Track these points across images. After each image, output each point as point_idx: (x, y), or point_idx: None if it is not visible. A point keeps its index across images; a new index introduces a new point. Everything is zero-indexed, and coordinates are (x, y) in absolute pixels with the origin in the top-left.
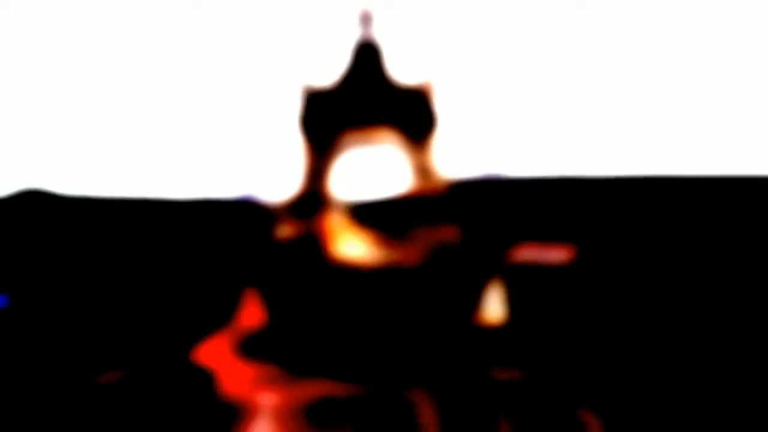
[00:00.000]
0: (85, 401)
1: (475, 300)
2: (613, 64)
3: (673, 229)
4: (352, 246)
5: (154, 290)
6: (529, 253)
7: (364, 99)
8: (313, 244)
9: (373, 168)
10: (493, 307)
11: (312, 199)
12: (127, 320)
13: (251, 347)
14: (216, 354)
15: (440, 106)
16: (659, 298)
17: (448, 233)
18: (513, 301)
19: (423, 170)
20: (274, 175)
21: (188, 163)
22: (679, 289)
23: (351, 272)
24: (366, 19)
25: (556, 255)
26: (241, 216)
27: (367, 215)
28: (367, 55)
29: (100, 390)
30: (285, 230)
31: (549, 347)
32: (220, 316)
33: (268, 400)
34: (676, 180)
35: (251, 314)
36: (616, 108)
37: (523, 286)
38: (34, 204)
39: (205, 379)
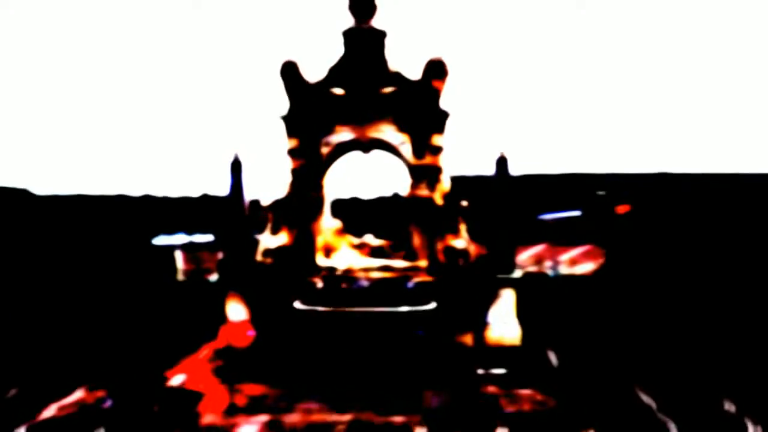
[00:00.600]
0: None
1: (484, 315)
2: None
3: (711, 231)
4: (348, 256)
5: (129, 299)
6: (544, 259)
7: (360, 92)
8: (304, 253)
9: (371, 170)
10: (504, 323)
11: (302, 204)
12: (100, 331)
13: (234, 367)
14: (195, 375)
15: (447, 100)
16: (703, 311)
17: (457, 242)
18: (526, 317)
19: (428, 172)
20: (260, 176)
21: (168, 159)
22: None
23: (346, 284)
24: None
25: (577, 260)
26: (226, 218)
27: (365, 221)
28: (363, 43)
29: (71, 411)
30: (273, 237)
31: (568, 369)
32: (201, 332)
33: (252, 428)
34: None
35: (234, 330)
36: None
37: (538, 299)
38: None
39: (182, 402)
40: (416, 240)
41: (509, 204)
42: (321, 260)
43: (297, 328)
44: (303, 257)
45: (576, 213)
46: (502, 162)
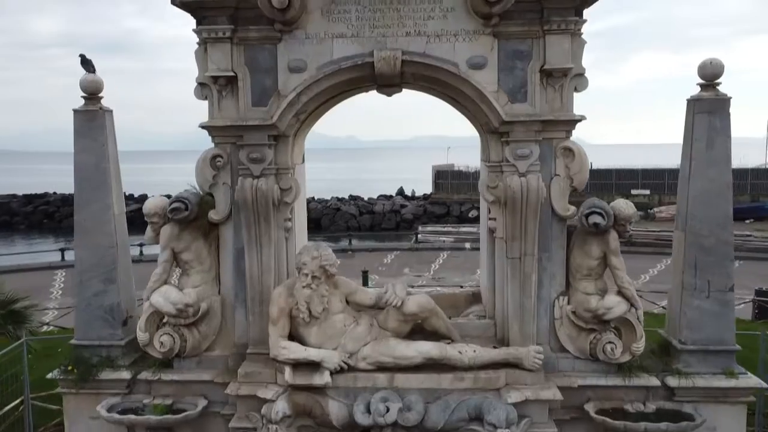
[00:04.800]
0: None
1: None
2: None
3: None
4: (353, 332)
5: None
6: None
7: None
8: (247, 328)
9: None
10: None
11: (245, 207)
12: None
13: None
14: None
15: None
16: None
17: (606, 301)
18: None
19: (539, 135)
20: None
21: None
22: None
23: (347, 406)
24: None
25: None
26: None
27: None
28: None
29: None
30: (169, 288)
31: None
32: None
33: None
34: None
35: None
36: None
37: None
38: None
39: None
40: (513, 294)
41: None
42: (285, 347)
43: None
44: (242, 338)
45: None
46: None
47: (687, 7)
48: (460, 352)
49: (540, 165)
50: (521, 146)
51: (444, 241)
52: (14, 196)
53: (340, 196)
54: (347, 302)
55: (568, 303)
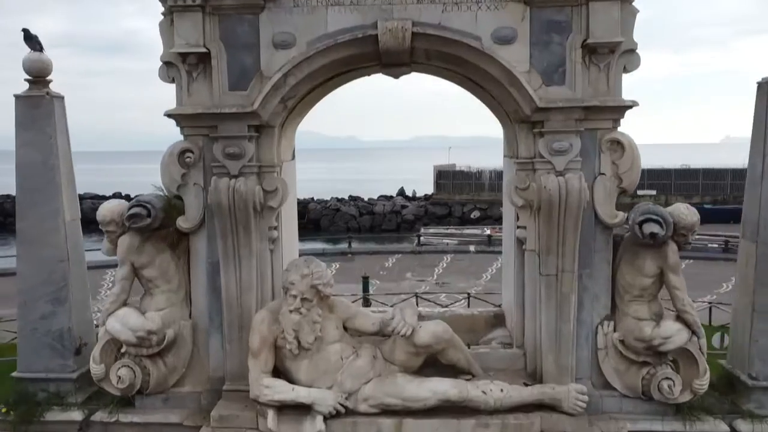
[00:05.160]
0: None
1: None
2: None
3: None
4: (354, 366)
5: None
6: None
7: None
8: (225, 362)
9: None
10: None
11: (220, 214)
12: None
13: None
14: None
15: None
16: None
17: (662, 328)
18: None
19: (580, 125)
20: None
21: None
22: None
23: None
24: None
25: None
26: None
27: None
28: None
29: None
30: (129, 312)
31: None
32: None
33: None
34: None
35: None
36: None
37: None
38: None
39: None
40: (547, 318)
41: None
42: (267, 385)
43: None
44: (216, 374)
45: None
46: None
47: (688, 7)
48: (484, 392)
49: (582, 161)
50: (558, 138)
51: (447, 244)
52: (8, 196)
53: (339, 197)
54: (345, 329)
55: (615, 330)
